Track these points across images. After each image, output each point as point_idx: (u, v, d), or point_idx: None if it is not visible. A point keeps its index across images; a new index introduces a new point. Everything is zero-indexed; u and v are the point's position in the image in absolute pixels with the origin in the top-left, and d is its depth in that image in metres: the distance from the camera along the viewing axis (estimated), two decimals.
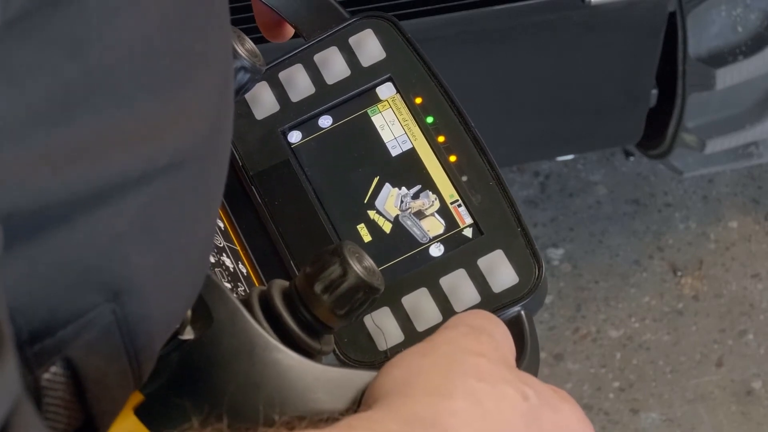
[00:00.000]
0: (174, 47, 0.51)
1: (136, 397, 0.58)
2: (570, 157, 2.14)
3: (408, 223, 0.78)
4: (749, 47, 1.73)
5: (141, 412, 0.59)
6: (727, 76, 1.74)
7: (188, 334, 0.60)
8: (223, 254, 0.77)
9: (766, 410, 2.00)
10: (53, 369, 0.50)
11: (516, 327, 0.72)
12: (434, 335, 0.60)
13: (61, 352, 0.49)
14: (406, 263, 0.77)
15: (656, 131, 1.89)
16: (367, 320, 0.75)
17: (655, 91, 1.81)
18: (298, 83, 0.84)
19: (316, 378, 0.59)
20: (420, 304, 0.75)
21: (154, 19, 0.49)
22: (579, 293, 2.11)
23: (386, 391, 0.56)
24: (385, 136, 0.81)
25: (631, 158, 2.23)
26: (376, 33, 0.84)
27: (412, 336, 0.74)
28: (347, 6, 0.85)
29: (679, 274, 2.12)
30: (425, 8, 1.58)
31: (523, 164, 2.20)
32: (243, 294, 0.75)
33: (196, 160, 0.54)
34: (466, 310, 0.74)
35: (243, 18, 0.91)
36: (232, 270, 0.77)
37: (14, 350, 0.42)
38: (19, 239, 0.45)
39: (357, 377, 0.60)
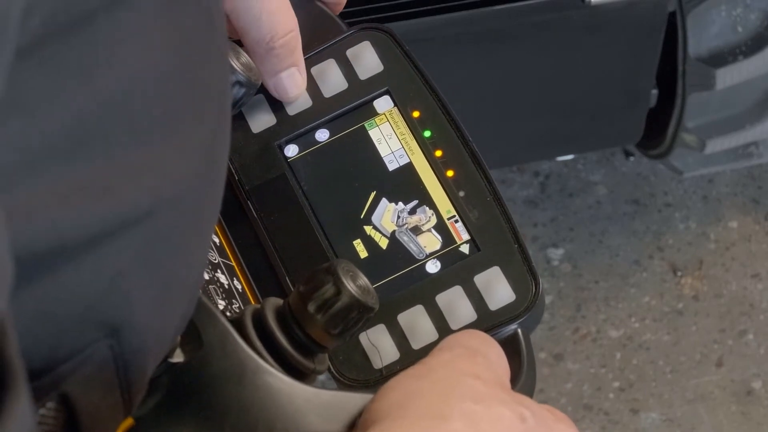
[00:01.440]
0: (180, 77, 0.51)
1: (126, 421, 0.58)
2: (570, 157, 2.13)
3: (405, 239, 0.78)
4: (749, 47, 1.72)
5: None
6: (727, 76, 1.73)
7: (178, 357, 0.60)
8: (218, 270, 0.77)
9: (766, 410, 2.00)
10: (48, 404, 0.50)
11: (512, 345, 0.71)
12: (430, 357, 0.60)
13: (58, 388, 0.49)
14: (402, 280, 0.77)
15: (656, 131, 1.89)
16: (363, 338, 0.75)
17: (655, 91, 1.80)
18: None
19: (307, 401, 0.59)
20: (416, 321, 0.75)
21: (161, 47, 0.49)
22: (579, 293, 2.11)
23: (382, 415, 0.55)
24: (382, 150, 0.81)
25: (631, 158, 2.23)
26: (374, 45, 0.83)
27: (408, 354, 0.74)
28: (347, 6, 0.84)
29: (679, 274, 2.12)
30: (425, 8, 1.58)
31: (523, 164, 2.19)
32: (237, 311, 0.75)
33: (195, 190, 0.53)
34: (462, 328, 0.74)
35: None
36: (227, 286, 0.76)
37: (27, 389, 0.42)
38: (27, 280, 0.44)
39: (349, 400, 0.59)
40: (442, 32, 1.62)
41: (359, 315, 0.64)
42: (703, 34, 1.73)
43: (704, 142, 1.82)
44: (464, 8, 1.59)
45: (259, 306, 0.66)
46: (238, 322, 0.63)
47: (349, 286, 0.63)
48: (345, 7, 0.87)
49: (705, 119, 1.83)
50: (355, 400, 0.59)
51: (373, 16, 1.53)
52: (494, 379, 0.59)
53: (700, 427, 1.99)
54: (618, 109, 1.84)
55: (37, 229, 0.44)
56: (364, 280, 0.65)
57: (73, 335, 0.49)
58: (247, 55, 0.79)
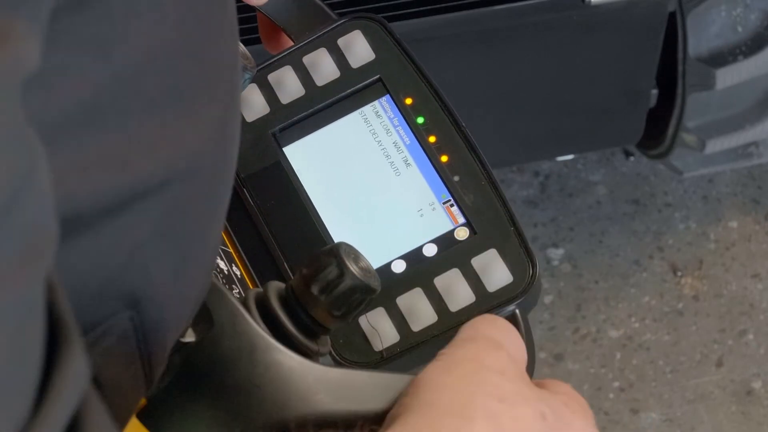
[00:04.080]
0: (192, 52, 0.51)
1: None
2: (570, 157, 2.13)
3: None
4: (749, 47, 1.73)
5: (143, 415, 0.59)
6: (727, 76, 1.73)
7: (189, 337, 0.60)
8: (217, 256, 0.77)
9: (766, 410, 2.00)
10: None
11: None
12: (455, 348, 0.60)
13: None
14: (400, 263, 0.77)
15: (656, 131, 1.89)
16: (362, 321, 0.75)
17: (655, 91, 1.81)
18: (288, 85, 0.83)
19: (317, 379, 0.59)
20: (415, 304, 0.75)
21: (174, 23, 0.49)
22: (579, 293, 2.11)
23: (410, 409, 0.56)
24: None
25: (631, 158, 2.23)
26: (365, 34, 0.84)
27: (408, 336, 0.75)
28: (347, 5, 0.85)
29: (679, 274, 2.12)
30: (425, 8, 1.58)
31: (523, 164, 2.20)
32: (238, 296, 0.75)
33: (209, 165, 0.54)
34: (461, 310, 0.74)
35: None
36: (226, 272, 0.77)
37: (82, 343, 0.42)
38: None
39: (357, 377, 0.60)
40: (442, 32, 1.62)
41: (362, 296, 0.65)
42: (703, 34, 1.73)
43: (704, 142, 1.83)
44: (464, 8, 1.60)
45: (261, 289, 0.66)
46: (242, 305, 0.63)
47: (352, 267, 0.64)
48: (345, 7, 0.87)
49: (705, 119, 1.84)
50: (361, 377, 0.60)
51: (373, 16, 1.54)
52: (517, 374, 0.59)
53: (700, 427, 1.99)
54: (618, 109, 1.84)
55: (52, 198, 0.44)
56: (366, 261, 0.66)
57: (95, 306, 0.49)
58: (241, 44, 0.79)
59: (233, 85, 0.57)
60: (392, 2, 1.56)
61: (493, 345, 0.60)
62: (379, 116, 0.82)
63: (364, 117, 0.82)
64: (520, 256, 0.75)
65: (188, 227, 0.54)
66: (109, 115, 0.46)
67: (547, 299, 2.10)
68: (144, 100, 0.48)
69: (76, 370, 0.41)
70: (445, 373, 0.58)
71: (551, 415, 0.58)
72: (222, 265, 0.77)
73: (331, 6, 0.89)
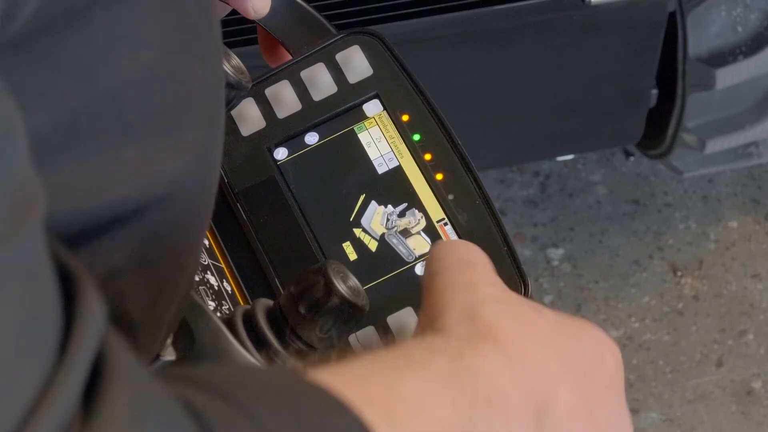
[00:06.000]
0: (175, 75, 0.51)
1: None
2: (570, 157, 2.13)
3: (394, 242, 0.78)
4: (749, 47, 1.72)
5: None
6: (727, 76, 1.73)
7: (170, 355, 0.60)
8: (208, 272, 0.77)
9: (766, 410, 2.00)
10: None
11: None
12: (433, 279, 0.59)
13: None
14: (391, 282, 0.77)
15: (656, 131, 1.89)
16: (352, 339, 0.75)
17: (655, 91, 1.80)
18: (285, 100, 0.83)
19: None
20: (405, 323, 0.75)
21: (158, 46, 0.49)
22: (579, 293, 2.11)
23: (423, 333, 0.56)
24: (372, 153, 0.81)
25: (631, 158, 2.23)
26: (363, 49, 0.84)
27: None
28: (347, 6, 0.84)
29: (679, 274, 2.12)
30: (425, 8, 1.58)
31: (523, 164, 2.19)
32: (227, 312, 0.75)
33: (187, 191, 0.53)
34: None
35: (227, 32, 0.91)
36: (216, 288, 0.77)
37: (94, 285, 0.42)
38: None
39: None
40: (442, 32, 1.62)
41: (349, 315, 0.64)
42: (703, 34, 1.73)
43: (704, 142, 1.83)
44: (464, 8, 1.59)
45: (249, 307, 0.66)
46: (228, 323, 0.63)
47: (340, 286, 0.64)
48: (345, 8, 0.87)
49: (705, 119, 1.83)
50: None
51: (373, 16, 1.53)
52: (500, 283, 0.59)
53: (700, 427, 1.99)
54: (618, 109, 1.84)
55: None
56: (354, 280, 0.65)
57: None
58: (237, 58, 0.79)
59: (217, 109, 0.57)
60: (392, 2, 1.56)
61: (466, 263, 0.59)
62: (375, 133, 0.81)
63: (361, 133, 0.82)
64: (512, 277, 0.75)
65: (166, 253, 0.53)
66: (87, 139, 0.46)
67: (547, 299, 2.10)
68: (123, 124, 0.48)
69: (93, 310, 0.41)
70: (438, 300, 0.57)
71: (549, 312, 0.58)
72: (212, 280, 0.77)
73: (325, 8, 0.88)
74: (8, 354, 0.37)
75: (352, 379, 0.49)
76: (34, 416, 0.38)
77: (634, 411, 2.00)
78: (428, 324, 0.56)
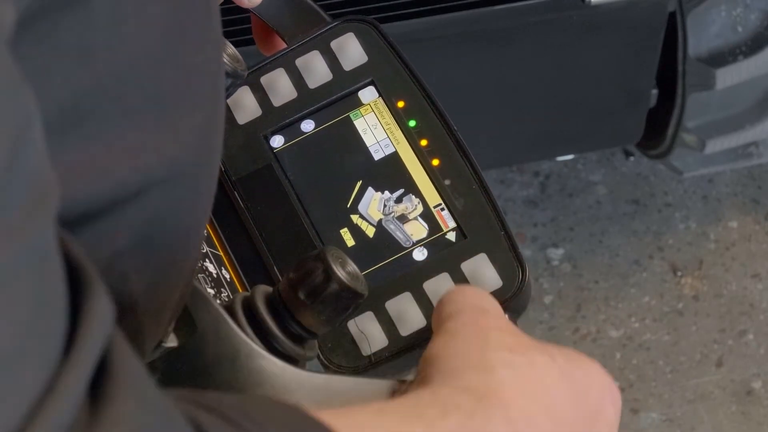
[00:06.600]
0: (175, 60, 0.51)
1: None
2: (570, 157, 2.13)
3: (391, 227, 0.78)
4: (749, 47, 1.73)
5: None
6: (727, 76, 1.73)
7: (171, 342, 0.60)
8: (207, 260, 0.77)
9: (766, 410, 2.00)
10: None
11: None
12: (448, 322, 0.60)
13: None
14: (389, 268, 0.77)
15: (656, 131, 1.89)
16: (351, 325, 0.75)
17: (655, 91, 1.80)
18: (280, 87, 0.83)
19: (300, 385, 0.59)
20: (404, 308, 0.75)
21: (158, 29, 0.49)
22: (579, 293, 2.11)
23: (429, 378, 0.56)
24: (368, 140, 0.81)
25: (631, 158, 2.23)
26: (358, 36, 0.84)
27: (396, 340, 0.74)
28: (347, 5, 0.84)
29: (679, 274, 2.12)
30: (425, 8, 1.58)
31: (523, 164, 2.19)
32: (226, 299, 0.75)
33: (190, 174, 0.54)
34: None
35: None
36: (215, 275, 0.77)
37: (103, 285, 0.43)
38: None
39: (341, 383, 0.60)
40: (442, 32, 1.62)
41: (349, 301, 0.65)
42: (703, 34, 1.73)
43: (704, 142, 1.83)
44: (464, 8, 1.59)
45: (248, 293, 0.66)
46: (228, 310, 0.63)
47: (339, 272, 0.64)
48: (344, 8, 0.87)
49: (705, 119, 1.83)
50: (345, 383, 0.60)
51: (373, 17, 1.53)
52: (512, 329, 0.60)
53: (700, 427, 1.99)
54: (618, 109, 1.84)
55: None
56: (353, 266, 0.66)
57: None
58: (233, 47, 0.79)
59: (216, 94, 0.57)
60: (392, 2, 1.56)
61: (480, 309, 0.60)
62: (370, 119, 0.82)
63: (357, 120, 0.82)
64: (509, 261, 0.75)
65: (169, 236, 0.54)
66: (89, 122, 0.46)
67: (547, 299, 2.10)
68: (125, 107, 0.48)
69: (101, 311, 0.41)
70: (450, 341, 0.58)
71: (560, 357, 0.59)
72: (211, 268, 0.77)
73: (327, 7, 0.88)
74: (15, 350, 0.37)
75: (359, 426, 0.50)
76: (38, 414, 0.38)
77: (634, 411, 2.00)
78: (436, 367, 0.56)
